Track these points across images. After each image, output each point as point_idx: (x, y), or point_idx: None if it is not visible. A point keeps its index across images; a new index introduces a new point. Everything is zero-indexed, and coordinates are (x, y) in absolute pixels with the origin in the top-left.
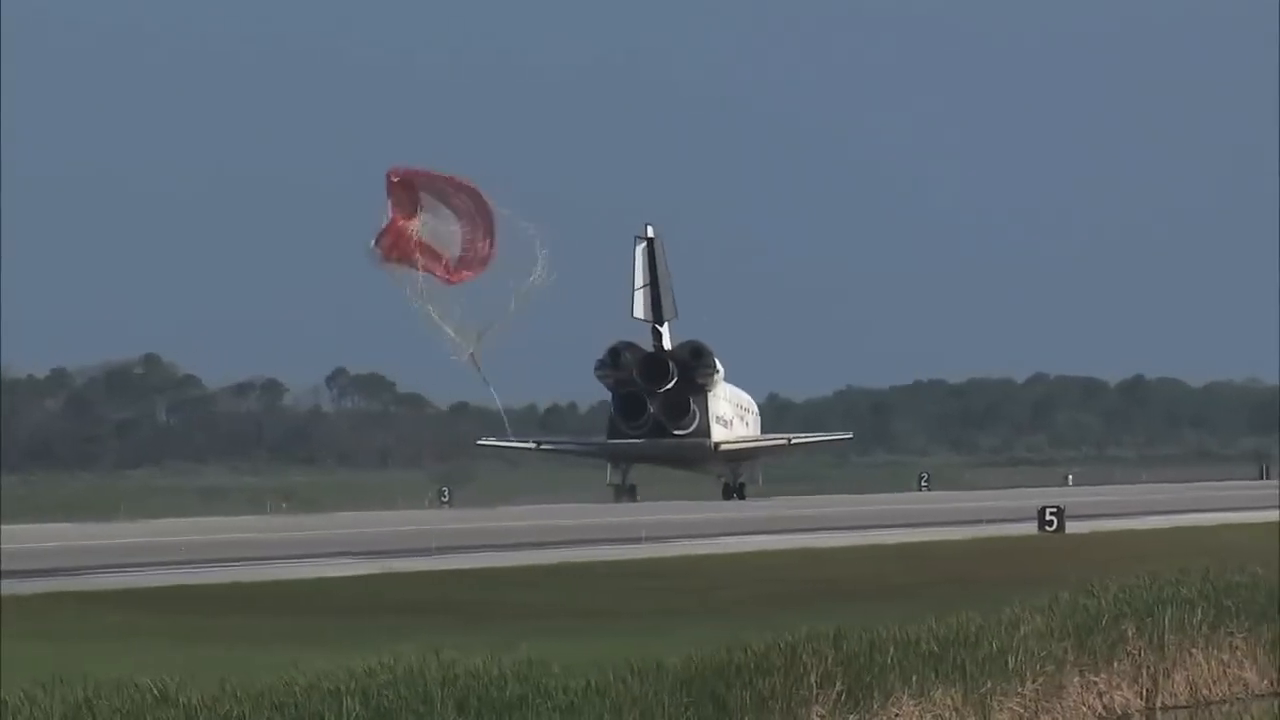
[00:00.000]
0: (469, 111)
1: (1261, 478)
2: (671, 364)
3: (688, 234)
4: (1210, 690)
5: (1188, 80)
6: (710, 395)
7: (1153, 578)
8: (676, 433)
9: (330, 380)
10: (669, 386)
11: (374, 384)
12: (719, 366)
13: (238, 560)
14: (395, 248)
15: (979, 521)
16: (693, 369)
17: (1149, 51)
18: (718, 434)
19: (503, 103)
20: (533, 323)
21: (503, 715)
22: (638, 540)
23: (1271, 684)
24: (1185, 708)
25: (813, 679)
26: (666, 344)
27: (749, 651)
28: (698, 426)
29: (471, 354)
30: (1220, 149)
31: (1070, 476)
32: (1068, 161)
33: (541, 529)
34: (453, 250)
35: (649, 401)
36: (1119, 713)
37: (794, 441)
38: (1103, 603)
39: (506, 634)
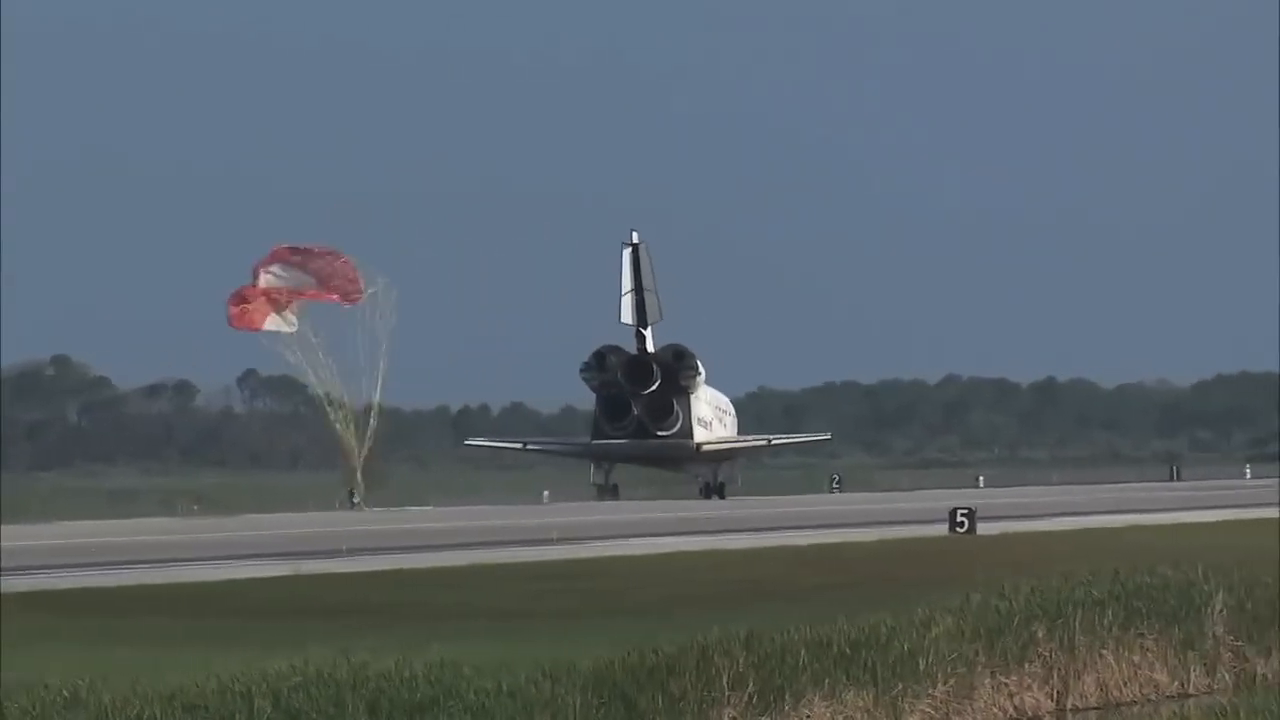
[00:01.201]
0: (459, 119)
1: (1172, 479)
2: (655, 367)
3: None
4: (1121, 691)
5: (1139, 83)
6: (692, 397)
7: (1063, 579)
8: (659, 434)
9: (241, 381)
10: (652, 389)
11: (285, 385)
12: (701, 369)
13: (149, 562)
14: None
15: (890, 523)
16: (675, 371)
17: (1078, 50)
18: (699, 435)
19: (491, 111)
20: (521, 325)
21: (414, 717)
22: (550, 542)
23: (1182, 685)
24: (1096, 709)
25: (724, 680)
26: (650, 347)
27: (660, 653)
28: (680, 428)
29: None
30: (1137, 158)
31: (981, 478)
32: (984, 167)
33: (453, 531)
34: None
35: (633, 403)
36: (1030, 714)
37: (773, 442)
38: (1014, 604)
39: (418, 636)
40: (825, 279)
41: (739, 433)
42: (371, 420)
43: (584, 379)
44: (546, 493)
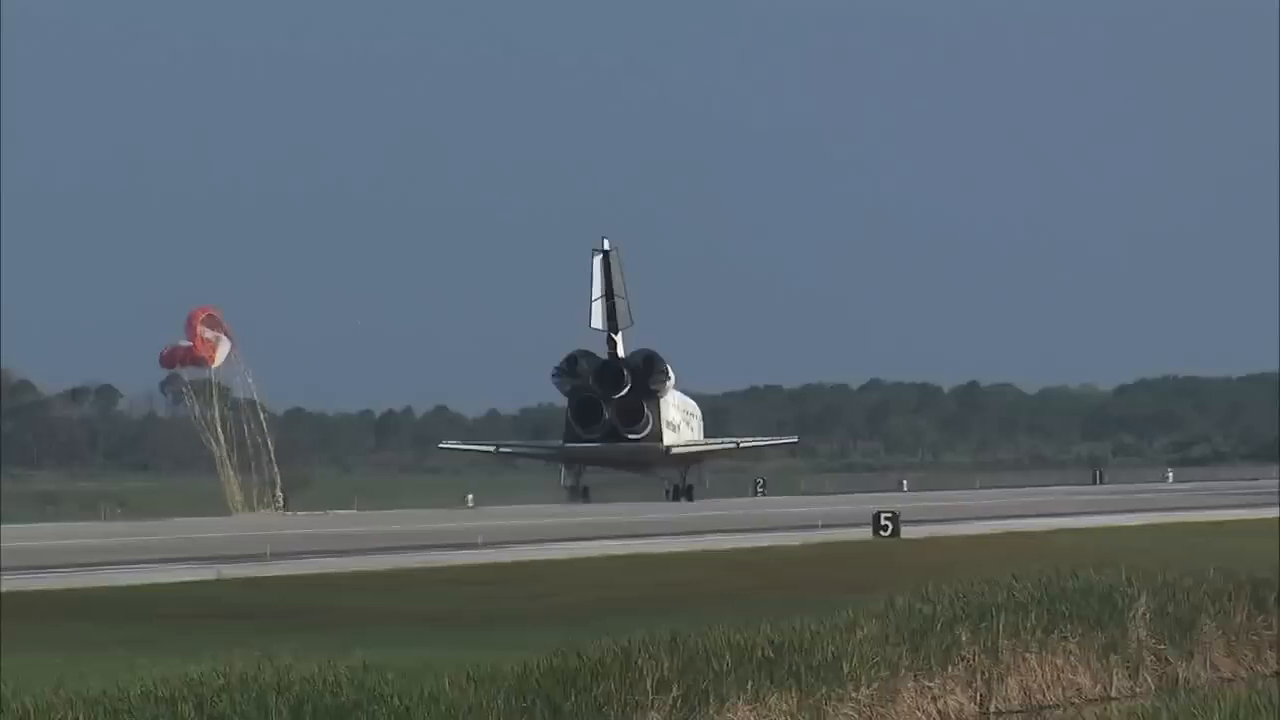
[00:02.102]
0: (432, 128)
1: (1095, 483)
2: (626, 371)
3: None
4: (1044, 694)
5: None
6: (661, 401)
7: (987, 583)
8: (630, 437)
9: (164, 386)
10: (623, 393)
11: (209, 389)
12: (670, 373)
13: (72, 566)
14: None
15: (814, 527)
16: (646, 376)
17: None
18: (669, 438)
19: (466, 119)
20: (494, 331)
21: None
22: (474, 546)
23: (1104, 688)
24: (1019, 712)
25: (649, 684)
26: (620, 352)
27: (584, 657)
28: (650, 431)
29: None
30: (1062, 166)
31: (905, 482)
32: (908, 172)
33: (378, 534)
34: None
35: (604, 407)
36: (953, 717)
37: (742, 445)
38: (937, 608)
39: (342, 639)
40: (746, 283)
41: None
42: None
43: (556, 383)
44: (471, 497)
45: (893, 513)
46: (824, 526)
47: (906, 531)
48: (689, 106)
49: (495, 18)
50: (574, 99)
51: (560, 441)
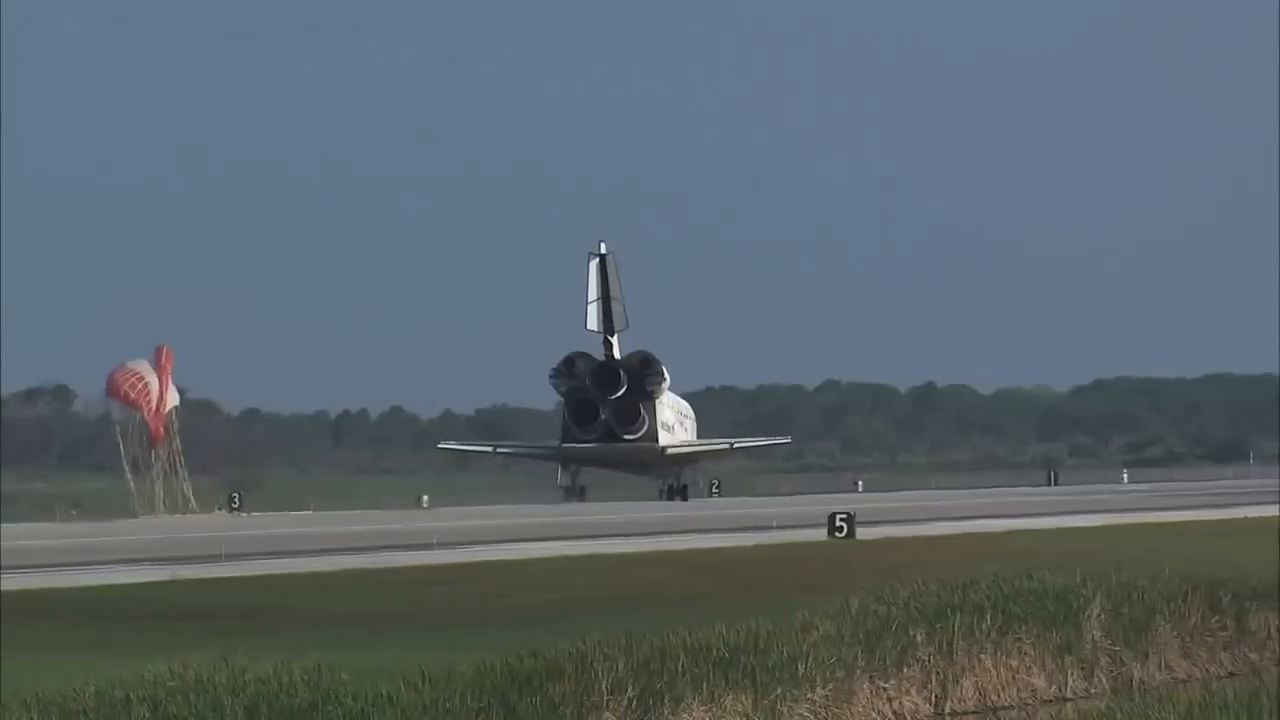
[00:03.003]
0: (428, 131)
1: (1050, 484)
2: (622, 373)
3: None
4: (999, 696)
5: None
6: (657, 402)
7: (942, 584)
8: (626, 437)
9: None
10: (619, 394)
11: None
12: (665, 375)
13: (27, 567)
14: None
15: (769, 528)
16: (642, 377)
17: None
18: (664, 438)
19: (463, 123)
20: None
21: None
22: (429, 547)
23: (1059, 690)
24: (974, 713)
25: (604, 685)
26: (616, 354)
27: (540, 657)
28: (646, 431)
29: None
30: (1010, 164)
31: (860, 482)
32: (853, 170)
33: (333, 535)
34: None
35: (601, 408)
36: (908, 718)
37: (735, 446)
38: (893, 609)
39: (297, 640)
40: (703, 284)
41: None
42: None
43: (553, 384)
44: (425, 497)
45: (848, 514)
46: (779, 528)
47: (862, 533)
48: (668, 107)
49: (490, 20)
50: (554, 100)
51: (557, 442)
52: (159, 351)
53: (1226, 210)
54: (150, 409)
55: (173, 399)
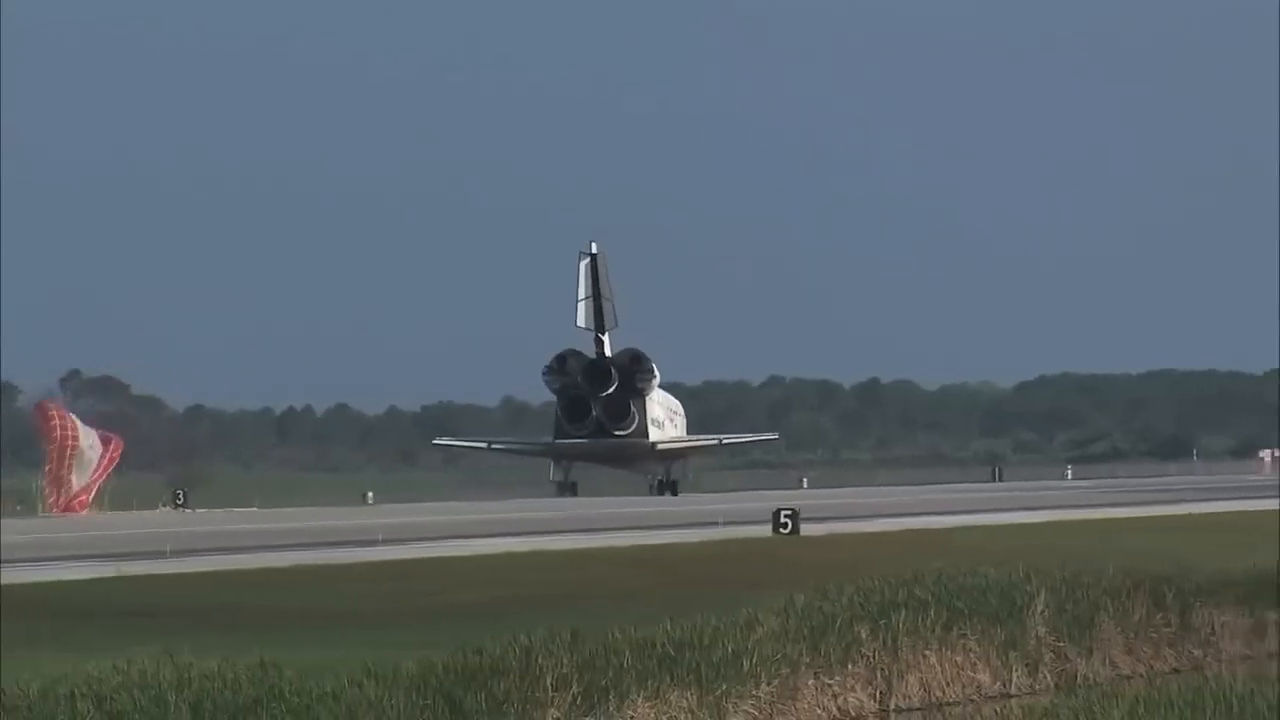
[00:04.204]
0: (423, 130)
1: (994, 480)
2: (613, 370)
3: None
4: (943, 692)
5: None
6: (647, 399)
7: (887, 580)
8: (617, 433)
9: (64, 382)
10: (610, 390)
11: (108, 386)
12: (656, 372)
13: None
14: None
15: (715, 524)
16: (632, 374)
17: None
18: (654, 434)
19: (457, 124)
20: (488, 329)
21: (236, 719)
22: (375, 543)
23: (1004, 686)
24: (919, 709)
25: (549, 681)
26: (607, 351)
27: (484, 654)
28: (637, 427)
29: None
30: (949, 158)
31: (805, 479)
32: (796, 168)
33: (278, 532)
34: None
35: (592, 404)
36: (853, 714)
37: (724, 442)
38: (837, 605)
39: (241, 637)
40: (647, 281)
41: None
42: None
43: (545, 381)
44: (370, 494)
45: (793, 510)
46: (724, 524)
47: (806, 529)
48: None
49: (480, 18)
50: (525, 97)
51: (550, 438)
52: (109, 441)
53: (1172, 209)
54: (61, 458)
55: (86, 464)
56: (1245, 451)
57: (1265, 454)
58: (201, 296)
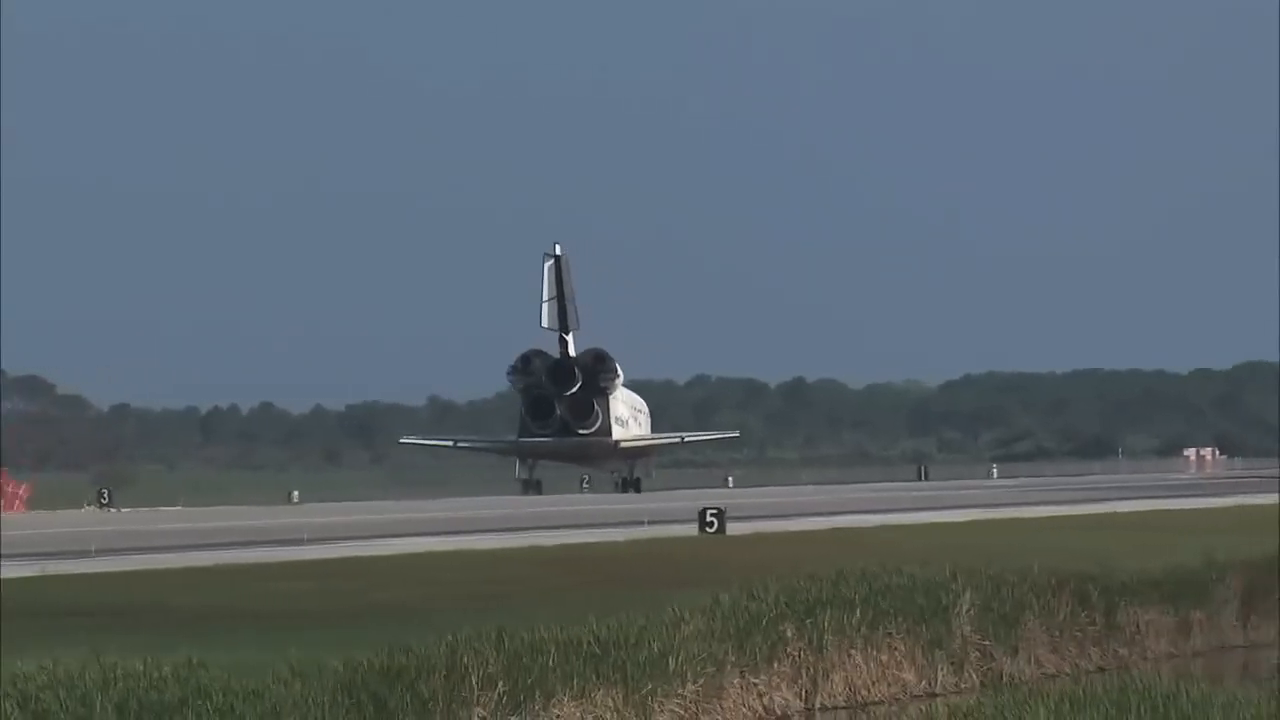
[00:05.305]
0: (388, 131)
1: (920, 479)
2: (577, 369)
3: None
4: (869, 691)
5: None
6: (611, 398)
7: (812, 579)
8: (581, 432)
9: None
10: (574, 390)
11: (32, 386)
12: (619, 371)
13: None
14: None
15: (640, 523)
16: (596, 374)
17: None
18: (617, 433)
19: (423, 125)
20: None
21: (162, 718)
22: (300, 542)
23: (929, 685)
24: (844, 708)
25: (474, 680)
26: (571, 351)
27: (410, 653)
28: (600, 426)
29: None
30: (873, 165)
31: (731, 478)
32: (724, 172)
33: (203, 531)
34: None
35: (556, 404)
36: (778, 713)
37: (686, 440)
38: (763, 604)
39: (167, 637)
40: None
41: (652, 431)
42: None
43: (510, 381)
44: (295, 493)
45: (719, 509)
46: (650, 523)
47: (732, 528)
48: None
49: (450, 24)
50: (551, 113)
51: (515, 436)
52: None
53: (1096, 209)
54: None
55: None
56: (1169, 450)
57: (1190, 452)
58: (126, 295)
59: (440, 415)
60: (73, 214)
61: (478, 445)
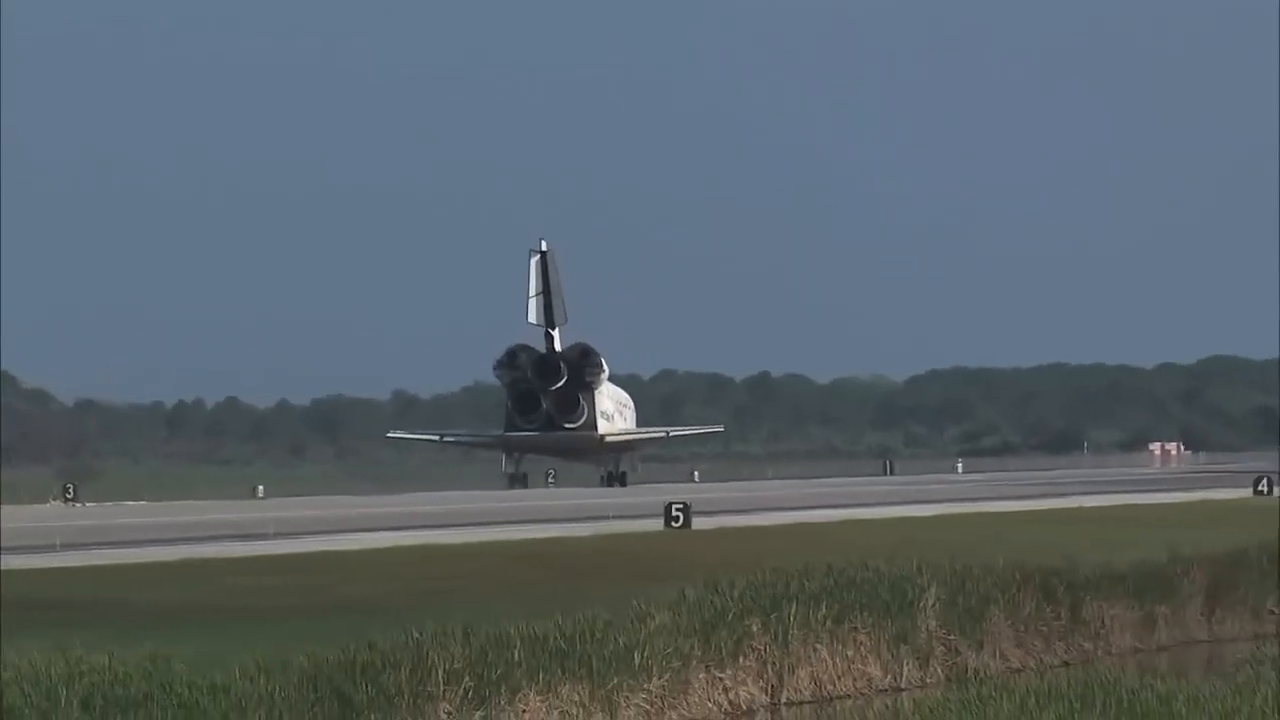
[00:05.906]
0: (365, 124)
1: (886, 473)
2: (563, 364)
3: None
4: (834, 685)
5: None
6: (596, 392)
7: (778, 574)
8: (567, 426)
9: None
10: (560, 384)
11: None
12: (605, 366)
13: None
14: None
15: (606, 518)
16: (581, 368)
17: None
18: (603, 427)
19: (408, 119)
20: (439, 324)
21: (127, 712)
22: (265, 537)
23: (895, 679)
24: (809, 703)
25: (440, 675)
26: (557, 346)
27: (375, 648)
28: (586, 420)
29: None
30: (841, 158)
31: (696, 473)
32: (690, 166)
33: (168, 526)
34: None
35: (542, 398)
36: (744, 708)
37: (671, 434)
38: (729, 599)
39: (132, 631)
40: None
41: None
42: None
43: (497, 375)
44: (261, 488)
45: (684, 504)
46: (615, 518)
47: (698, 523)
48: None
49: (435, 18)
50: (537, 107)
51: (501, 430)
52: None
53: (1063, 202)
54: None
55: None
56: (1134, 445)
57: (1155, 447)
58: (90, 288)
59: (404, 409)
60: (36, 211)
61: (464, 440)
